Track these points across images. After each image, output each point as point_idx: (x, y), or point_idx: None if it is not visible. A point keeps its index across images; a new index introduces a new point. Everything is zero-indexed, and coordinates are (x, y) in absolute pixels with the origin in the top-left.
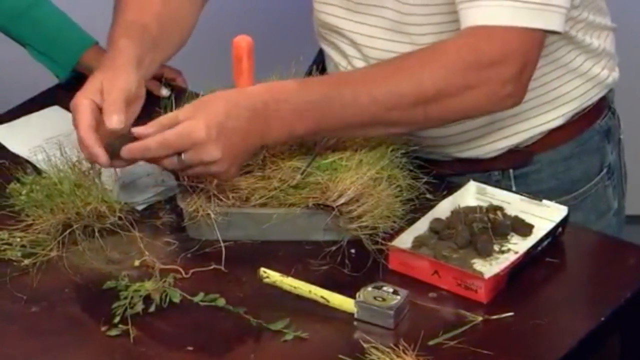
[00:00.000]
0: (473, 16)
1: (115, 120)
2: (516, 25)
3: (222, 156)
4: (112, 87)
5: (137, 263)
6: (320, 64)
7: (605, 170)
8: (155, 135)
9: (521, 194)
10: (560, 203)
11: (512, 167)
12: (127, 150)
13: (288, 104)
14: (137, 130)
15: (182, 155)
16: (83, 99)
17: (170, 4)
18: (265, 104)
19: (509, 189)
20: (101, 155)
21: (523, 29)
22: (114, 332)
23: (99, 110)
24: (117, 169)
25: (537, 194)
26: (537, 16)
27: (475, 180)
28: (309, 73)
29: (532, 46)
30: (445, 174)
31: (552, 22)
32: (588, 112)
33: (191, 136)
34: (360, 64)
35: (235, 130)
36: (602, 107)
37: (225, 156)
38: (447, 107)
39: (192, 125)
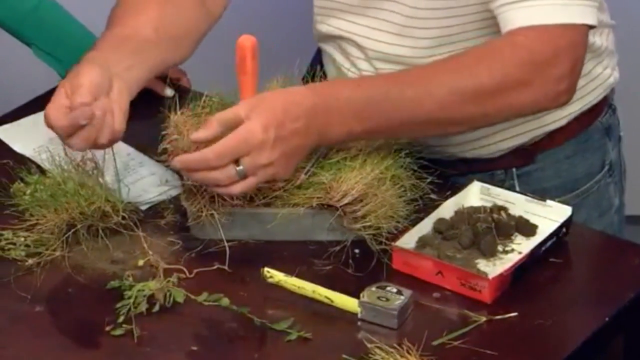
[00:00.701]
0: (515, 18)
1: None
2: (561, 23)
3: (279, 157)
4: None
5: (141, 263)
6: (318, 65)
7: (606, 168)
8: (214, 144)
9: (525, 194)
10: (563, 201)
11: (515, 166)
12: (182, 161)
13: (347, 103)
14: (198, 135)
15: (240, 164)
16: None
17: (168, 7)
18: (325, 103)
19: (512, 188)
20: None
21: (568, 25)
22: (118, 332)
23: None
24: (122, 170)
25: (540, 193)
26: (578, 12)
27: (478, 179)
28: (311, 73)
29: (580, 42)
30: (449, 174)
31: (590, 16)
32: (589, 111)
33: (248, 141)
34: (364, 64)
35: (294, 131)
36: (602, 104)
37: (283, 157)
38: (505, 104)
39: (249, 128)
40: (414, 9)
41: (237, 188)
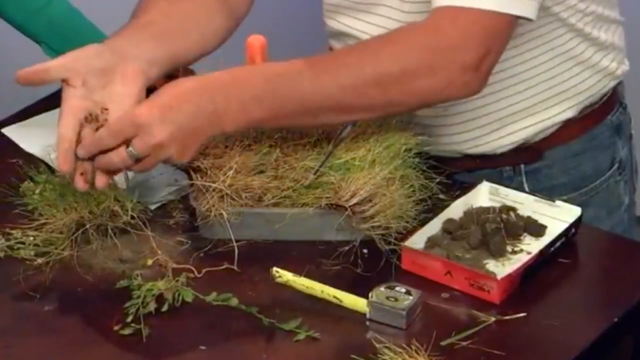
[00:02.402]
0: None
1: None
2: (481, 8)
3: (169, 137)
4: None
5: (149, 262)
6: None
7: (616, 166)
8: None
9: (534, 195)
10: (572, 198)
11: (523, 163)
12: (82, 147)
13: (243, 85)
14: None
15: (131, 146)
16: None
17: (176, 3)
18: (222, 86)
19: (520, 185)
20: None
21: (489, 12)
22: (126, 331)
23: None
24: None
25: (548, 190)
26: (506, 1)
27: (486, 176)
28: None
29: (497, 32)
30: (457, 171)
31: (522, 8)
32: (598, 107)
33: (134, 120)
34: None
35: (182, 111)
36: (612, 102)
37: (175, 139)
38: (408, 90)
39: (135, 110)
40: (409, 3)
41: (137, 167)
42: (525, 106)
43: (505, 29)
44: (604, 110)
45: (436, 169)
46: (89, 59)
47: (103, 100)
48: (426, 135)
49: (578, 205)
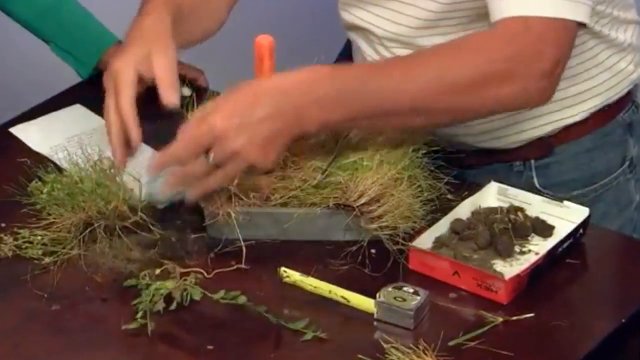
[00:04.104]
0: (504, 8)
1: (174, 98)
2: (549, 17)
3: (247, 144)
4: (165, 60)
5: (158, 271)
6: (347, 57)
7: (627, 164)
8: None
9: (542, 195)
10: (582, 195)
11: (534, 158)
12: (157, 163)
13: (323, 89)
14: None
15: (210, 155)
16: (128, 67)
17: None
18: (297, 85)
19: (530, 180)
20: (136, 136)
21: (557, 20)
22: (133, 325)
23: (140, 82)
24: (139, 168)
25: (558, 185)
26: (569, 8)
27: (496, 171)
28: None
29: (566, 40)
30: (467, 165)
31: (581, 14)
32: (611, 106)
33: (211, 130)
34: (386, 54)
35: (261, 117)
36: (625, 101)
37: (254, 144)
38: (485, 96)
39: (210, 118)
40: (439, 3)
41: (213, 179)
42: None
43: (572, 36)
44: (616, 108)
45: (444, 169)
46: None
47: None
48: (439, 132)
49: (588, 201)
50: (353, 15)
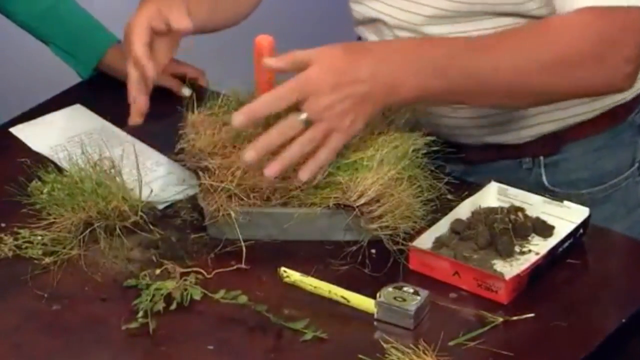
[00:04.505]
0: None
1: (186, 22)
2: (624, 5)
3: (342, 102)
4: (178, 8)
5: (158, 271)
6: None
7: (637, 165)
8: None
9: (543, 195)
10: (590, 194)
11: (543, 155)
12: (244, 112)
13: (424, 55)
14: (268, 61)
15: (302, 110)
16: (139, 20)
17: None
18: (402, 53)
19: (538, 177)
20: (150, 70)
21: (633, 8)
22: (133, 325)
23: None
24: (139, 170)
25: (567, 183)
26: None
27: (505, 167)
28: None
29: None
30: (476, 161)
31: None
32: (621, 106)
33: (306, 83)
34: None
35: (357, 78)
36: (636, 102)
37: (347, 103)
38: (580, 77)
39: (307, 72)
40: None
41: (307, 136)
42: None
43: None
44: (626, 109)
45: (449, 165)
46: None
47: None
48: (445, 127)
49: (596, 201)
50: (366, 6)
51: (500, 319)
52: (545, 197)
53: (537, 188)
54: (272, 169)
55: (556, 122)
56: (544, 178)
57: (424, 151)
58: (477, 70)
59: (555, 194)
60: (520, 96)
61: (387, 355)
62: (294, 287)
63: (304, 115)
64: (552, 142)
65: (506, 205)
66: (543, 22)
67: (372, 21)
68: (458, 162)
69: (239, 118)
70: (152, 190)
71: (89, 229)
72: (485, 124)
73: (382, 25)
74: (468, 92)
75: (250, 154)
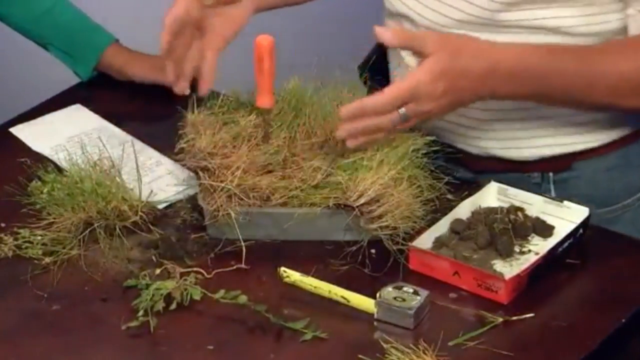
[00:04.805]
0: None
1: None
2: None
3: (442, 106)
4: None
5: (158, 271)
6: (379, 55)
7: None
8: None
9: (543, 195)
10: (600, 214)
11: (552, 171)
12: (351, 111)
13: (530, 70)
14: (382, 33)
15: (404, 109)
16: None
17: None
18: (508, 66)
19: (547, 193)
20: (164, 41)
21: None
22: (134, 325)
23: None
24: (139, 170)
25: (576, 200)
26: None
27: (513, 180)
28: (369, 61)
29: None
30: (483, 171)
31: None
32: (635, 132)
33: (418, 90)
34: None
35: (464, 87)
36: None
37: (446, 106)
38: None
39: (420, 78)
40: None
41: (395, 130)
42: (571, 124)
43: None
44: (638, 132)
45: (454, 168)
46: None
47: (213, 15)
48: (453, 133)
49: (606, 221)
50: (399, 1)
51: (500, 319)
52: (545, 197)
53: None
54: (343, 132)
55: (570, 145)
56: (552, 194)
57: (424, 151)
58: (573, 88)
59: None
60: (603, 109)
61: (387, 355)
62: (294, 287)
63: (404, 113)
64: (563, 159)
65: (506, 205)
66: (621, 43)
67: (400, 16)
68: (466, 170)
69: (346, 113)
70: (152, 190)
71: (88, 229)
72: (501, 137)
73: (409, 23)
74: (554, 102)
75: (341, 133)
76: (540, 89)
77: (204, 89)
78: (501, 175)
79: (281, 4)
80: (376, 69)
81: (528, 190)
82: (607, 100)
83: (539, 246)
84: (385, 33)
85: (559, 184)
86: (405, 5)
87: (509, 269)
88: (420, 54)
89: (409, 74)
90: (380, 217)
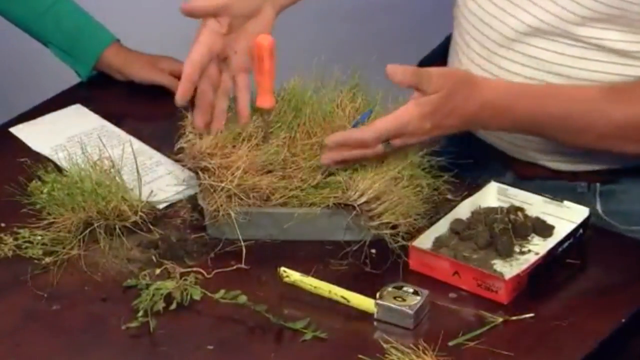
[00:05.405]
0: None
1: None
2: None
3: (422, 140)
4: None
5: (158, 271)
6: (442, 52)
7: None
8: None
9: (542, 195)
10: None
11: (599, 182)
12: (337, 141)
13: (518, 116)
14: (395, 72)
15: (391, 142)
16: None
17: None
18: (495, 112)
19: (592, 204)
20: (183, 91)
21: None
22: (134, 325)
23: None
24: (139, 170)
25: (622, 215)
26: None
27: (559, 189)
28: (434, 56)
29: None
30: (527, 176)
31: None
32: None
33: (406, 127)
34: (476, 45)
35: (449, 126)
36: None
37: (426, 140)
38: None
39: (412, 114)
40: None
41: (380, 153)
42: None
43: None
44: None
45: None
46: (244, 3)
47: (234, 39)
48: (506, 137)
49: None
50: (474, 2)
51: (500, 319)
52: (545, 196)
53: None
54: (327, 160)
55: (613, 161)
56: (597, 205)
57: (424, 152)
58: (559, 129)
59: (608, 225)
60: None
61: (387, 355)
62: (294, 287)
63: (388, 146)
64: (611, 172)
65: (506, 205)
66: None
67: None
68: (512, 175)
69: (330, 143)
70: (152, 190)
71: (88, 229)
72: (549, 150)
73: (480, 23)
74: (547, 139)
75: (325, 161)
76: (529, 128)
77: (243, 118)
78: (547, 182)
79: None
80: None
81: (573, 201)
82: (601, 145)
83: (539, 246)
84: (397, 75)
85: (605, 196)
86: (480, 7)
87: (509, 269)
88: (421, 92)
89: (399, 110)
90: (380, 215)
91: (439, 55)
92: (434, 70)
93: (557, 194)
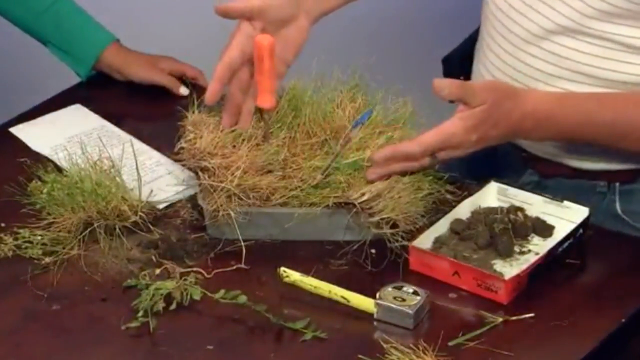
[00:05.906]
0: None
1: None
2: None
3: (468, 153)
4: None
5: (157, 271)
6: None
7: None
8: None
9: (542, 195)
10: None
11: (619, 181)
12: (385, 156)
13: (560, 126)
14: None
15: (437, 155)
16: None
17: None
18: (538, 124)
19: (612, 204)
20: (213, 92)
21: None
22: (134, 325)
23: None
24: (139, 170)
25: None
26: None
27: (579, 187)
28: (462, 51)
29: None
30: (548, 174)
31: None
32: None
33: (451, 140)
34: (499, 39)
35: (493, 138)
36: None
37: (472, 150)
38: None
39: (456, 130)
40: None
41: (424, 166)
42: None
43: None
44: None
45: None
46: (280, 9)
47: None
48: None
49: None
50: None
51: (500, 319)
52: (545, 196)
53: (609, 214)
54: (374, 175)
55: (635, 162)
56: (617, 204)
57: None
58: (606, 137)
59: (627, 225)
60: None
61: (386, 355)
62: (294, 287)
63: (435, 160)
64: (631, 171)
65: (506, 205)
66: None
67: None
68: (532, 173)
69: (377, 158)
70: (152, 190)
71: (88, 229)
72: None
73: (504, 18)
74: (588, 144)
75: (372, 177)
76: (571, 137)
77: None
78: (568, 181)
79: (336, 7)
80: (456, 64)
81: (593, 204)
82: None
83: (539, 246)
84: (444, 89)
85: (624, 195)
86: (507, 3)
87: (509, 269)
88: (466, 105)
89: (444, 123)
90: (380, 212)
91: (464, 52)
92: (477, 84)
93: (577, 193)
